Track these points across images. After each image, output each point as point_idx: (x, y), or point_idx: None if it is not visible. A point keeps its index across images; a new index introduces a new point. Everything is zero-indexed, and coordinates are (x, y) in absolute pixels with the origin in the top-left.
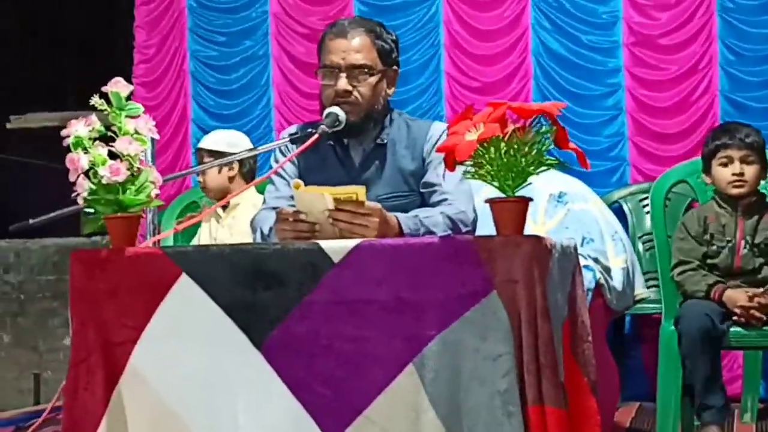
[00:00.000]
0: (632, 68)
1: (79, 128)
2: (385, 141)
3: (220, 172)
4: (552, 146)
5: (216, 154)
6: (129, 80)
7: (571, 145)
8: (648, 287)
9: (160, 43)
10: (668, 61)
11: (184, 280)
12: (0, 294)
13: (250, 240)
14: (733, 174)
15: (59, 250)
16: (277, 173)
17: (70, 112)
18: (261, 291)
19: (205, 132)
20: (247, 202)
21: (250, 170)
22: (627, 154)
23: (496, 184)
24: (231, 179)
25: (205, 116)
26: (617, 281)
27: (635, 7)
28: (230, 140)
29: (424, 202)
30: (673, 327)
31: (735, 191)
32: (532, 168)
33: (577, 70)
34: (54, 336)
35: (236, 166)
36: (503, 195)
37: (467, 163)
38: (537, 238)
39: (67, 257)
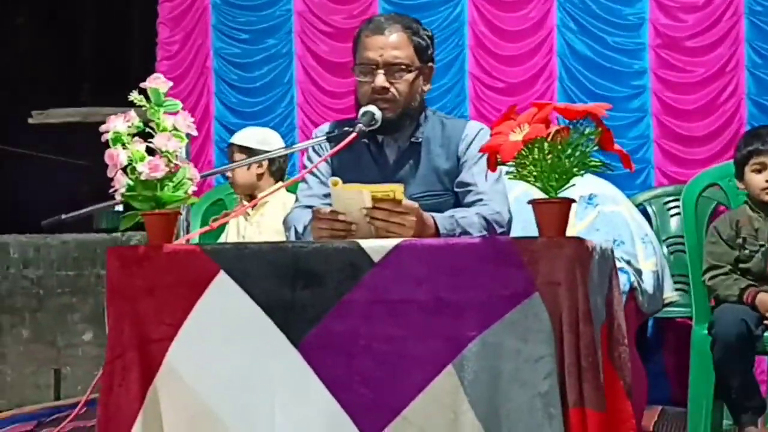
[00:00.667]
0: (658, 70)
1: (117, 124)
2: (420, 140)
3: (249, 169)
4: (596, 148)
5: (245, 150)
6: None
7: (616, 147)
8: (675, 291)
9: (184, 40)
10: (694, 64)
11: (222, 277)
12: (19, 289)
13: (278, 238)
14: (767, 181)
15: (78, 245)
16: (311, 172)
17: (93, 108)
18: (300, 289)
19: (228, 129)
20: (276, 200)
21: (279, 169)
22: (652, 157)
23: (539, 185)
24: (259, 176)
25: (228, 114)
26: (648, 284)
27: (662, 9)
28: (261, 137)
29: (458, 202)
30: (705, 332)
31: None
32: (576, 169)
33: (602, 72)
34: (73, 332)
35: (265, 164)
36: (546, 196)
37: (509, 163)
38: (579, 240)
39: (86, 252)
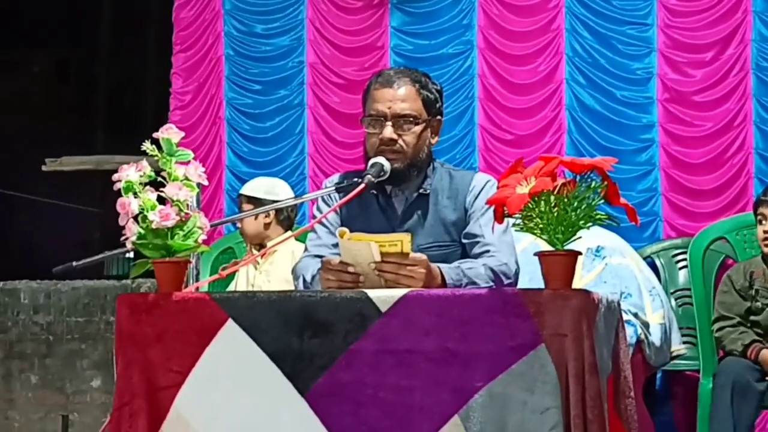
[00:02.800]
0: (666, 124)
1: (130, 173)
2: (428, 191)
3: (256, 218)
4: (602, 201)
5: (253, 201)
6: (159, 126)
7: (622, 200)
8: (682, 343)
9: (197, 90)
10: (702, 118)
11: (231, 325)
12: (29, 335)
13: (287, 286)
14: (765, 231)
15: (89, 291)
16: (320, 222)
17: (105, 156)
18: (308, 338)
19: (239, 178)
20: (286, 249)
21: (287, 218)
22: (660, 210)
23: (545, 237)
24: (266, 226)
25: (240, 163)
26: (655, 337)
27: (669, 64)
28: (268, 187)
29: (465, 253)
30: (711, 385)
31: (766, 249)
32: (582, 222)
33: (610, 125)
34: (81, 378)
35: (272, 213)
36: (552, 248)
37: (516, 215)
38: (585, 293)
39: (96, 300)
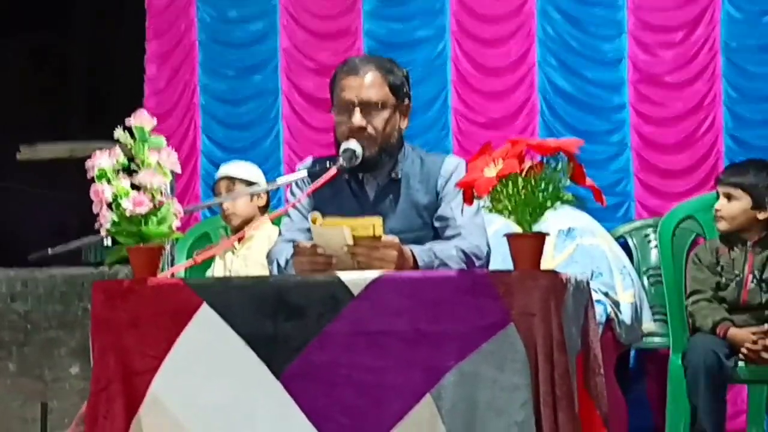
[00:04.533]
0: (637, 105)
1: (102, 160)
2: (399, 176)
3: (252, 200)
4: (569, 182)
5: (247, 183)
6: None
7: (588, 181)
8: (654, 321)
9: (171, 76)
10: (673, 99)
11: (205, 310)
12: (6, 323)
13: (264, 271)
14: (716, 209)
15: (66, 279)
16: (293, 206)
17: (79, 143)
18: (281, 321)
19: (215, 164)
20: (262, 233)
21: (266, 204)
22: (632, 190)
23: (513, 218)
24: (260, 209)
25: (215, 149)
26: (626, 315)
27: (640, 46)
28: (256, 172)
29: (437, 236)
30: (680, 361)
31: (717, 225)
32: (549, 203)
33: (582, 107)
34: (60, 365)
35: (265, 196)
36: (520, 230)
37: (485, 197)
38: (553, 273)
39: (73, 287)
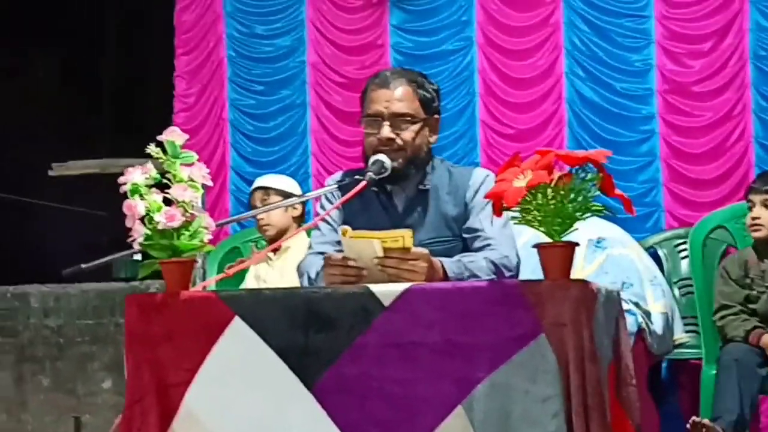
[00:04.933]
0: (666, 115)
1: (135, 176)
2: (428, 187)
3: (286, 211)
4: (598, 192)
5: (282, 194)
6: (164, 129)
7: (617, 191)
8: (686, 332)
9: (200, 92)
10: (702, 108)
11: (237, 323)
12: (40, 338)
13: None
14: (752, 218)
15: (98, 294)
16: (323, 219)
17: (111, 159)
18: (313, 334)
19: (244, 179)
20: (300, 245)
21: (300, 214)
22: (662, 200)
23: (543, 229)
24: (295, 219)
25: (244, 163)
26: (657, 326)
27: (668, 55)
28: (292, 183)
29: (466, 248)
30: (714, 372)
31: (754, 234)
32: (578, 214)
33: (611, 117)
34: (93, 380)
35: (300, 207)
36: (550, 240)
37: (514, 208)
38: (584, 283)
39: (106, 302)
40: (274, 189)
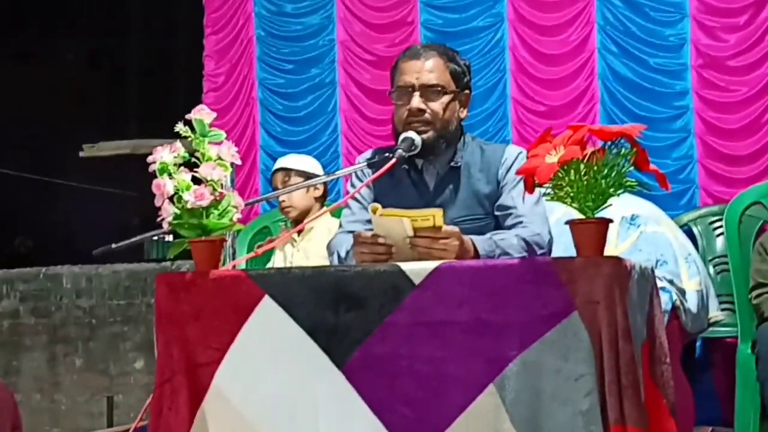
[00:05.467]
0: (700, 90)
1: (164, 155)
2: (459, 164)
3: (308, 192)
4: (632, 168)
5: (303, 175)
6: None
7: (652, 166)
8: (721, 310)
9: (229, 72)
10: (737, 83)
11: (267, 302)
12: (72, 318)
13: (325, 263)
14: None
15: (129, 275)
16: (353, 197)
17: (141, 140)
18: (343, 312)
19: (273, 158)
20: (322, 225)
21: (322, 195)
22: (696, 177)
23: (576, 205)
24: (317, 200)
25: (273, 143)
26: (692, 304)
27: (703, 29)
28: (312, 163)
29: (498, 225)
30: (749, 350)
31: None
32: (612, 189)
33: (644, 93)
34: (125, 360)
35: (321, 187)
36: (583, 216)
37: (546, 185)
38: (617, 260)
39: (137, 282)
40: (295, 170)
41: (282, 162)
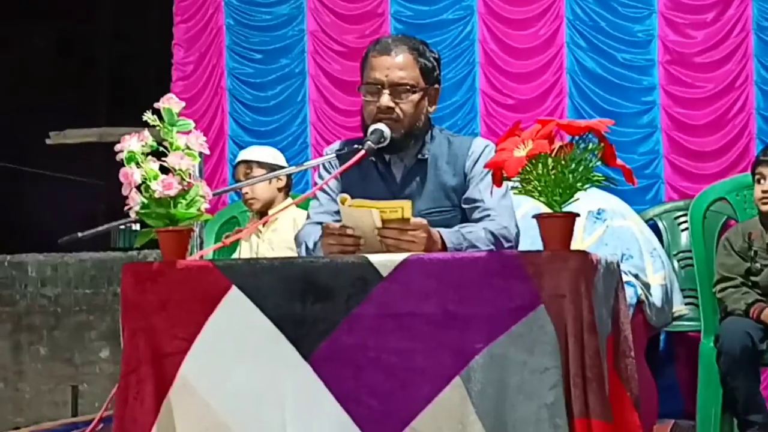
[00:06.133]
0: (667, 86)
1: (132, 143)
2: (427, 156)
3: (270, 183)
4: (599, 163)
5: (265, 166)
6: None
7: (619, 162)
8: (685, 304)
9: (198, 61)
10: (704, 80)
11: (234, 292)
12: (37, 307)
13: (290, 254)
14: (762, 191)
15: (95, 264)
16: (321, 189)
17: (109, 128)
18: (310, 304)
19: (242, 148)
20: (287, 216)
21: (286, 185)
22: (662, 172)
23: (543, 199)
24: (280, 190)
25: (242, 133)
26: (656, 298)
27: (670, 26)
28: (274, 153)
29: (465, 218)
30: (712, 344)
31: (764, 208)
32: (579, 184)
33: (612, 88)
34: (90, 349)
35: (284, 178)
36: (550, 210)
37: (515, 178)
38: (583, 254)
39: (103, 271)
40: (257, 162)
41: (243, 154)
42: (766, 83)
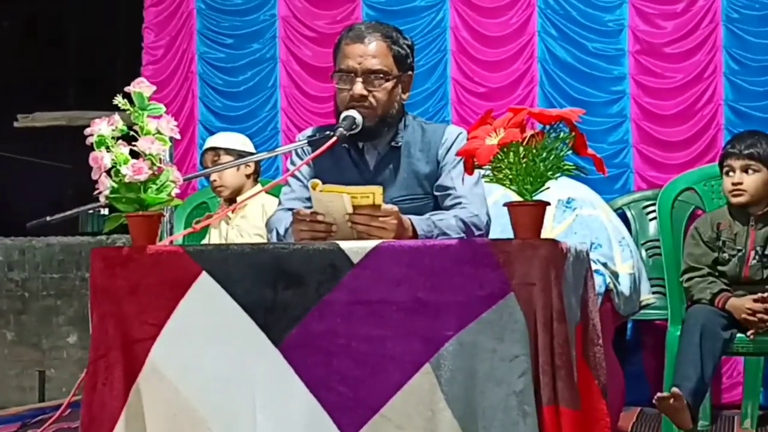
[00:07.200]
0: (637, 76)
1: (102, 127)
2: (400, 144)
3: (238, 170)
4: (570, 152)
5: (233, 153)
6: (131, 82)
7: (589, 151)
8: (652, 293)
9: (169, 45)
10: (673, 70)
11: (205, 278)
12: (4, 291)
13: (258, 240)
14: (732, 183)
15: (63, 248)
16: (293, 175)
17: (78, 112)
18: (281, 290)
19: (212, 133)
20: (256, 203)
21: (254, 171)
22: (631, 162)
23: (514, 188)
24: (248, 177)
25: (212, 118)
26: (624, 287)
27: (641, 16)
28: (242, 140)
29: (437, 205)
30: (678, 333)
31: (734, 200)
32: (550, 173)
33: (582, 77)
34: (57, 334)
35: (253, 164)
36: (521, 199)
37: (486, 167)
38: (553, 242)
39: (71, 256)
40: (224, 149)
41: (211, 141)
42: (735, 74)
